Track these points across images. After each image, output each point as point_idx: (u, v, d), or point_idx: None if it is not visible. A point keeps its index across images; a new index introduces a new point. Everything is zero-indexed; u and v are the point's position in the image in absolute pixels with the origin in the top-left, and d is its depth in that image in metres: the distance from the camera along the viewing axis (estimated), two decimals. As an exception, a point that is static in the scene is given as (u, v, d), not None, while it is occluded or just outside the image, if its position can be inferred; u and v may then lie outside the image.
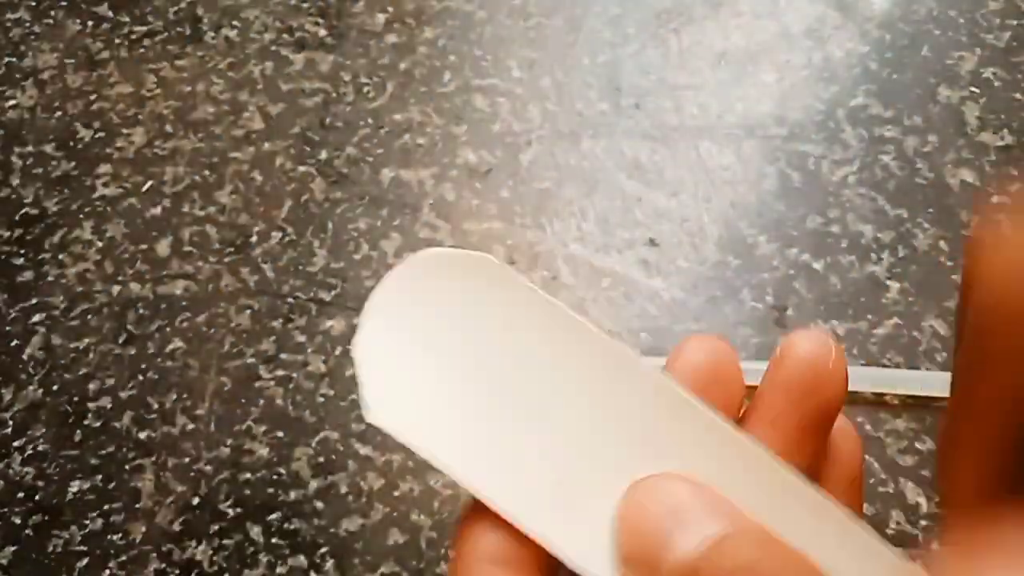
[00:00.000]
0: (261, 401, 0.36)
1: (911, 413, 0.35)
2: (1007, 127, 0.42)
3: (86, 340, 0.38)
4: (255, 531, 0.33)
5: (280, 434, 0.35)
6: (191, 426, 0.35)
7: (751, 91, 0.44)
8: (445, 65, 0.46)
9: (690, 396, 0.15)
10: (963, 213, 0.40)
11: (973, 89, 0.44)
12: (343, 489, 0.34)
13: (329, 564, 0.32)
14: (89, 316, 0.38)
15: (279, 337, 0.38)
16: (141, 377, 0.37)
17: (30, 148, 0.44)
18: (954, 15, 0.46)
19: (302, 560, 0.32)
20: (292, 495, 0.34)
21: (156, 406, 0.36)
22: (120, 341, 0.38)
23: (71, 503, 0.34)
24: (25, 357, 0.37)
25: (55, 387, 0.36)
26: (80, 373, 0.37)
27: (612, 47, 0.47)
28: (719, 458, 0.14)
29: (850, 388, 0.37)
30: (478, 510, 0.14)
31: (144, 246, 0.40)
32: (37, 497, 0.34)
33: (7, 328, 0.38)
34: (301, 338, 0.38)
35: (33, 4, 0.50)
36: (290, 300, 0.39)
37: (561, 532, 0.14)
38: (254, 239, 0.41)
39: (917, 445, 0.34)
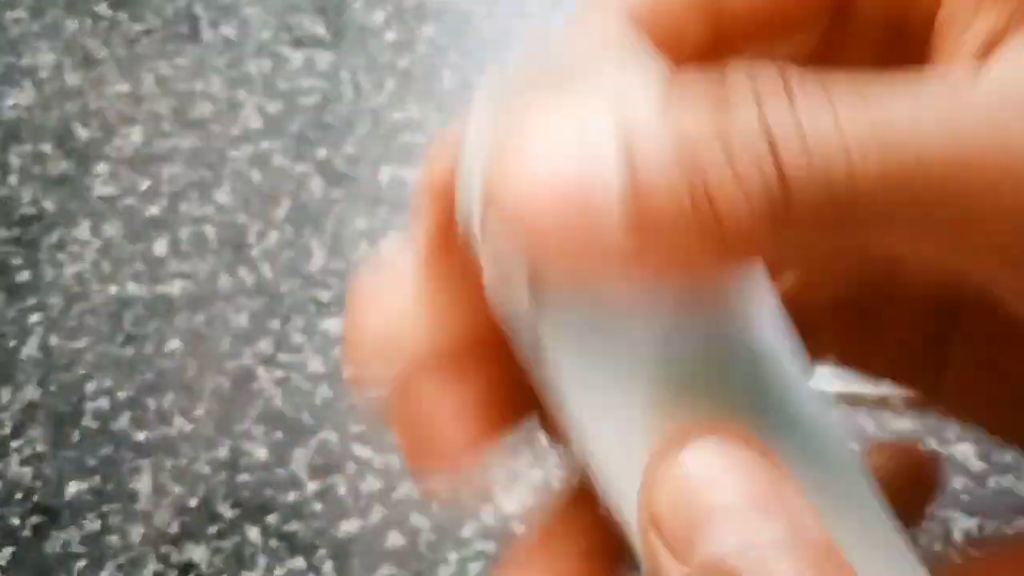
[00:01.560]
0: (259, 402, 0.36)
1: (914, 415, 0.35)
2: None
3: (84, 340, 0.38)
4: (253, 533, 0.33)
5: (278, 435, 0.35)
6: (189, 427, 0.35)
7: (752, 89, 0.44)
8: (445, 63, 0.46)
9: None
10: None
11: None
12: (342, 491, 0.34)
13: (327, 566, 0.32)
14: (86, 316, 0.38)
15: (277, 337, 0.37)
16: (139, 377, 0.36)
17: (28, 147, 0.44)
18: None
19: (300, 562, 0.32)
20: (290, 496, 0.33)
21: (154, 407, 0.36)
22: (118, 341, 0.38)
23: (69, 504, 0.34)
24: (23, 357, 0.37)
25: (53, 387, 0.36)
26: (78, 373, 0.37)
27: (612, 44, 0.46)
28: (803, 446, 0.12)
29: (853, 390, 0.36)
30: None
31: (142, 246, 0.40)
32: (35, 498, 0.34)
33: (4, 328, 0.38)
34: (299, 338, 0.37)
35: (31, 3, 0.49)
36: (288, 300, 0.39)
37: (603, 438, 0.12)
38: (252, 239, 0.40)
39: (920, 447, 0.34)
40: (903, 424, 0.34)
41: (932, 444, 0.34)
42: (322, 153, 0.43)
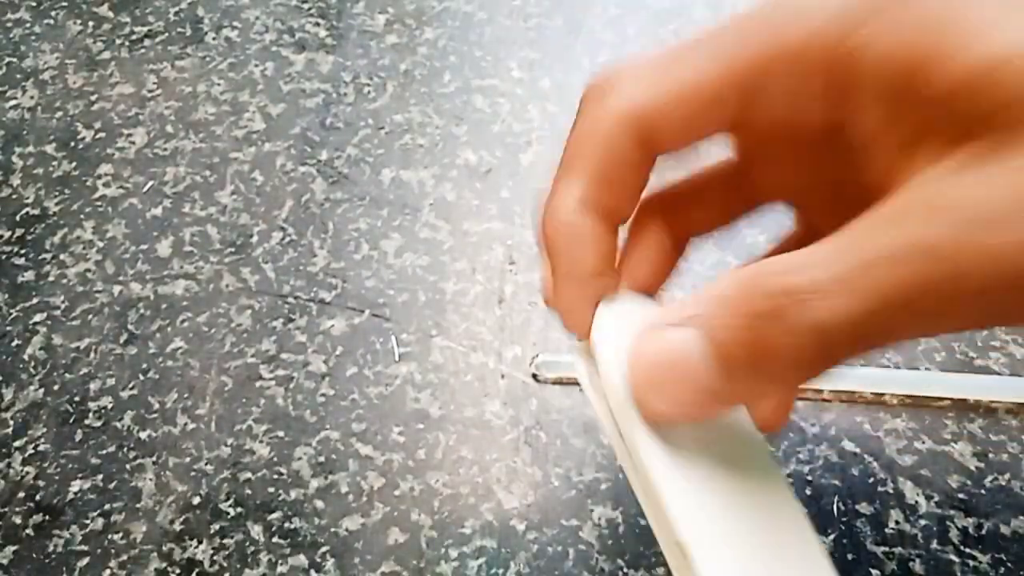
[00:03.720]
0: (262, 401, 0.36)
1: (910, 413, 0.35)
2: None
3: (87, 340, 0.38)
4: (256, 530, 0.33)
5: (281, 434, 0.35)
6: (192, 426, 0.35)
7: (751, 92, 0.44)
8: (445, 66, 0.46)
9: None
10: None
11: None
12: (343, 488, 0.34)
13: (329, 563, 0.32)
14: (90, 316, 0.38)
15: (280, 337, 0.38)
16: (142, 377, 0.37)
17: (31, 148, 0.44)
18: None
19: (302, 559, 0.32)
20: (293, 494, 0.34)
21: (157, 406, 0.36)
22: (121, 341, 0.38)
23: (72, 503, 0.34)
24: (26, 357, 0.37)
25: (56, 387, 0.37)
26: (81, 373, 0.37)
27: (612, 48, 0.47)
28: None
29: (849, 388, 0.36)
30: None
31: (145, 246, 0.41)
32: (38, 497, 0.34)
33: (8, 328, 0.38)
34: (302, 338, 0.38)
35: (34, 4, 0.50)
36: (291, 300, 0.39)
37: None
38: (255, 239, 0.41)
39: (916, 445, 0.34)
40: (898, 422, 0.35)
41: (929, 443, 0.34)
42: (324, 155, 0.43)
